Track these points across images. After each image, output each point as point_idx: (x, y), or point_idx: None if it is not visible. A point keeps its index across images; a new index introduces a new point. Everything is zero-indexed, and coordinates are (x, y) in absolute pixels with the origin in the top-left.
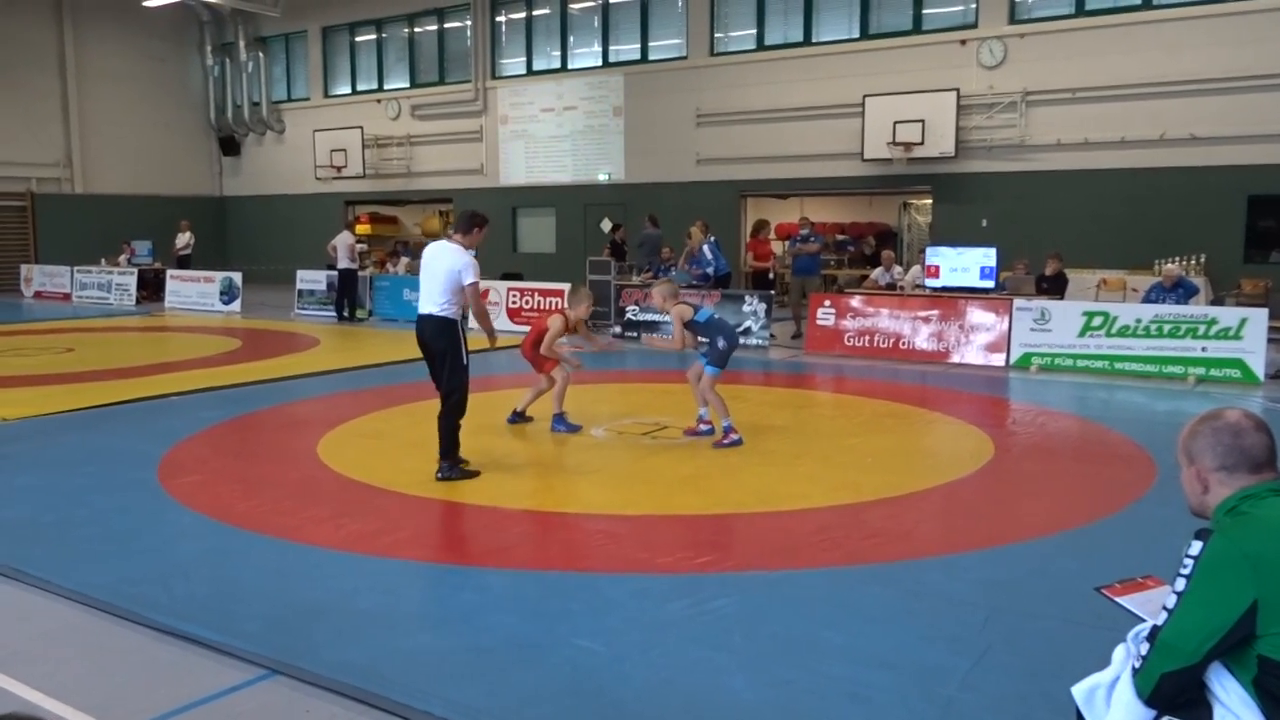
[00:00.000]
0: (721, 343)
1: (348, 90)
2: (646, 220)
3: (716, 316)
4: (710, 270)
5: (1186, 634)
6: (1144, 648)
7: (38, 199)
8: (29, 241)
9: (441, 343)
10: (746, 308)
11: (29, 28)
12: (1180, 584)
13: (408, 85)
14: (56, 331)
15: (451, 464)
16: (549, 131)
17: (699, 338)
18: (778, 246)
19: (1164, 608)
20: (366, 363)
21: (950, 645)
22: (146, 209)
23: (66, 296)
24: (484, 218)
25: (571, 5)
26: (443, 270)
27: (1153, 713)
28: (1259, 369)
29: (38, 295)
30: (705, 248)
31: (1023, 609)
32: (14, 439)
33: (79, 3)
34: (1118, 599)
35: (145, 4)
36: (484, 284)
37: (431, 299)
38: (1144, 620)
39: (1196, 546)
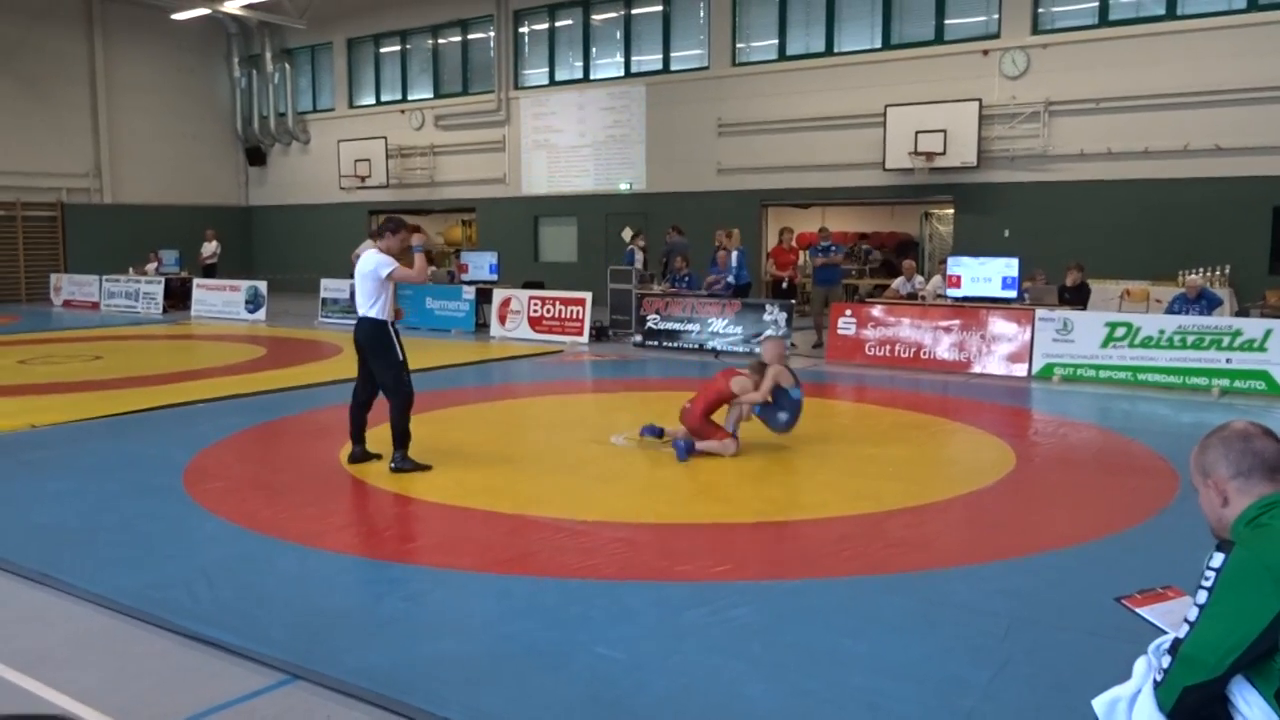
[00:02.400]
0: (783, 415)
1: (372, 101)
2: (671, 230)
3: (794, 394)
4: (731, 279)
5: (1208, 647)
6: (1165, 660)
7: (67, 209)
8: (58, 251)
9: (374, 342)
10: (767, 316)
11: (60, 40)
12: (1202, 596)
13: (431, 96)
14: (85, 339)
15: (404, 455)
16: (571, 141)
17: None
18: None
19: (1185, 620)
20: None
21: (971, 656)
22: (173, 219)
23: (95, 305)
24: (399, 222)
25: (594, 16)
26: (368, 275)
27: None
28: None
29: (67, 304)
30: (734, 254)
31: (1044, 620)
32: (44, 445)
33: (109, 16)
34: (1138, 610)
35: (174, 17)
36: (507, 292)
37: (363, 303)
38: (1164, 632)
39: (1218, 558)
